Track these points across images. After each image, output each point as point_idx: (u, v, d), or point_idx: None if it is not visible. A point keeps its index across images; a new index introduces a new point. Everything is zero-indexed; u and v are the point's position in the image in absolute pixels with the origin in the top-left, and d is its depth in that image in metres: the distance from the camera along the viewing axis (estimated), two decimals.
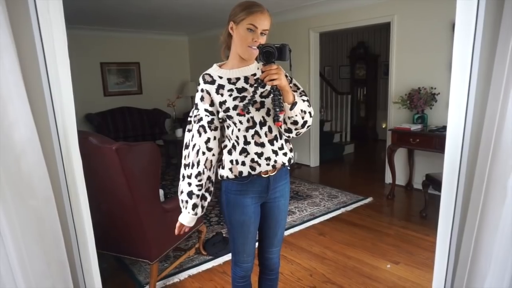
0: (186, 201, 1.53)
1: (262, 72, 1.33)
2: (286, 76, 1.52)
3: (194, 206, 1.53)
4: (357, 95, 7.36)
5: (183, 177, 1.53)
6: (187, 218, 1.55)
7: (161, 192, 2.51)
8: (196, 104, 1.50)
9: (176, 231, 1.57)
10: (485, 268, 1.24)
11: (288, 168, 1.62)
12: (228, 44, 1.51)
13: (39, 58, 1.37)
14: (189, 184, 1.51)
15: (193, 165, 1.50)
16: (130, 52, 6.77)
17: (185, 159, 1.52)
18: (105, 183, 2.10)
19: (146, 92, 7.03)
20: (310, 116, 1.46)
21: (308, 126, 1.47)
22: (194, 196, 1.52)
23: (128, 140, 6.09)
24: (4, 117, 1.27)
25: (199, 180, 1.50)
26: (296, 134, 1.50)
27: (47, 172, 1.38)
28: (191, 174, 1.50)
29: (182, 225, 1.56)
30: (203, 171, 1.50)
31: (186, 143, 1.53)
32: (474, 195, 1.26)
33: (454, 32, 1.35)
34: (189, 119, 1.55)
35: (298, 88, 1.53)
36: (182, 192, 1.54)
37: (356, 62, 7.25)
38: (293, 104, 1.39)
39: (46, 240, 1.39)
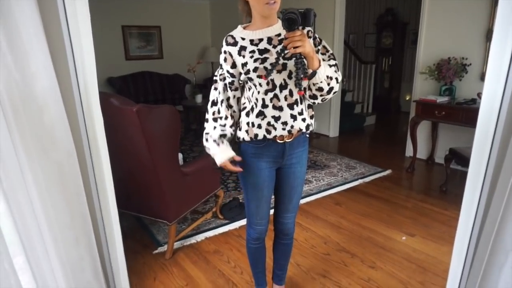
0: (214, 140, 1.55)
1: (285, 38, 1.28)
2: (315, 38, 1.48)
3: (222, 136, 1.56)
4: (382, 65, 7.11)
5: (211, 126, 1.58)
6: (221, 152, 1.53)
7: (180, 156, 2.54)
8: (221, 65, 1.53)
9: (231, 169, 1.54)
10: (510, 244, 1.20)
11: (307, 135, 1.60)
12: (248, 11, 1.47)
13: (59, 10, 1.36)
14: (215, 127, 1.57)
15: (220, 117, 1.54)
16: (152, 15, 6.68)
17: (213, 114, 1.56)
18: (126, 144, 2.13)
19: (167, 57, 6.99)
20: (337, 82, 1.43)
21: (334, 92, 1.44)
22: (220, 134, 1.56)
23: (147, 104, 6.12)
24: (26, 66, 1.28)
25: (225, 124, 1.56)
26: (322, 100, 1.47)
27: (69, 126, 1.41)
28: (218, 120, 1.56)
29: (225, 165, 1.54)
30: (230, 120, 1.55)
31: (213, 100, 1.57)
32: (505, 171, 1.21)
33: None
34: (214, 78, 1.57)
35: (327, 51, 1.49)
36: (210, 136, 1.56)
37: (383, 30, 6.94)
38: (319, 70, 1.34)
39: (68, 193, 1.44)
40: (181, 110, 5.86)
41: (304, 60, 1.32)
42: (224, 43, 1.49)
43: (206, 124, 1.59)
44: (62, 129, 1.37)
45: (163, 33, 6.88)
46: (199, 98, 5.36)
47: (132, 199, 2.35)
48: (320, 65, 1.34)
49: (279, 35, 1.42)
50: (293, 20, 1.24)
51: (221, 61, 1.51)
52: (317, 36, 1.48)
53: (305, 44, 1.26)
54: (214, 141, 1.54)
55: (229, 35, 1.49)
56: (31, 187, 1.33)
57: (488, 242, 1.25)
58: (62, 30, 1.39)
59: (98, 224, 1.62)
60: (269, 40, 1.44)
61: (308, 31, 1.46)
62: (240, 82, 1.51)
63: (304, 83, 1.41)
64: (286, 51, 1.33)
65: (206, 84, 6.72)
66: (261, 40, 1.44)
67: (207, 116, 1.59)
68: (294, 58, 1.32)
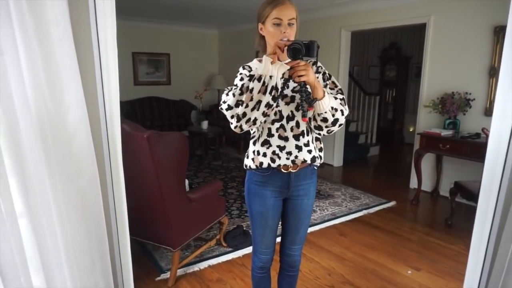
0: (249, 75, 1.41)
1: (290, 69, 1.33)
2: (324, 73, 1.54)
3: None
4: (386, 97, 7.20)
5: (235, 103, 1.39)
6: (263, 65, 1.36)
7: (186, 182, 2.55)
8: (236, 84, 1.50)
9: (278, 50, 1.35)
10: None
11: (315, 167, 1.62)
12: (264, 45, 1.54)
13: (93, 46, 1.44)
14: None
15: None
16: (161, 43, 6.88)
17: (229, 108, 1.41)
18: (134, 169, 2.16)
19: (174, 83, 7.13)
20: (342, 115, 1.45)
21: (340, 125, 1.47)
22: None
23: (154, 129, 6.18)
24: (61, 99, 1.34)
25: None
26: (328, 132, 1.50)
27: (95, 154, 1.45)
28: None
29: (271, 61, 1.35)
30: None
31: (225, 101, 1.45)
32: None
33: (498, 36, 1.29)
34: (225, 91, 1.49)
35: (336, 86, 1.53)
36: (239, 90, 1.40)
37: (387, 63, 7.09)
38: (323, 101, 1.38)
39: (89, 218, 1.46)
40: (187, 135, 5.92)
41: (309, 89, 1.37)
42: (240, 68, 1.56)
43: (226, 101, 1.41)
44: (88, 157, 1.42)
45: (171, 60, 7.05)
46: (205, 124, 5.42)
47: (137, 224, 2.35)
48: (324, 95, 1.38)
49: (291, 69, 1.48)
50: (297, 50, 1.30)
51: (236, 81, 1.49)
52: (326, 71, 1.54)
53: (309, 74, 1.32)
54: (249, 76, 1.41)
55: (246, 65, 1.57)
56: (52, 215, 1.35)
57: (498, 282, 1.23)
58: (94, 65, 1.47)
59: (114, 250, 1.62)
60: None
61: (318, 67, 1.53)
62: None
63: (310, 113, 1.45)
64: (290, 80, 1.39)
65: (212, 111, 6.82)
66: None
67: (226, 101, 1.43)
68: (299, 86, 1.37)
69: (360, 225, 3.32)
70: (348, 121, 6.00)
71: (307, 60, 1.39)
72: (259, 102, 1.35)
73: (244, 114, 1.37)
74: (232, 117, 1.39)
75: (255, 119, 1.38)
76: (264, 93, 1.34)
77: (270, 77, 1.34)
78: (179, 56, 7.12)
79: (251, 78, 1.39)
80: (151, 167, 2.06)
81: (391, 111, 7.16)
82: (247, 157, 1.59)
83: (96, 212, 1.48)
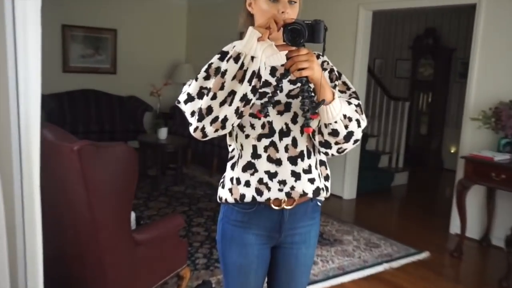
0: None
1: (287, 58, 1.33)
2: (332, 71, 1.54)
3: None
4: (419, 103, 7.35)
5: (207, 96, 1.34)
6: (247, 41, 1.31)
7: (132, 215, 2.52)
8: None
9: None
10: None
11: (319, 203, 1.62)
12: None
13: (4, 15, 1.42)
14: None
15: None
16: (105, 14, 6.89)
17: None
18: (57, 199, 2.11)
19: (122, 72, 7.13)
20: (359, 126, 1.45)
21: (355, 141, 1.47)
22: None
23: (89, 137, 6.10)
24: None
25: None
26: (338, 151, 1.50)
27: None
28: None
29: (259, 37, 1.31)
30: None
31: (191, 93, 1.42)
32: None
33: None
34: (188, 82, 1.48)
35: (348, 88, 1.54)
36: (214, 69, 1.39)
37: (421, 56, 7.27)
38: (332, 105, 1.38)
39: None
40: (136, 148, 5.87)
41: (312, 88, 1.36)
42: (214, 58, 1.55)
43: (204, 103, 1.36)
44: None
45: (119, 39, 7.07)
46: (163, 133, 5.40)
47: (55, 274, 2.29)
48: (334, 98, 1.38)
49: (288, 60, 1.47)
50: (298, 31, 1.30)
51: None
52: (334, 68, 1.55)
53: (313, 66, 1.31)
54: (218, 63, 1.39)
55: (224, 50, 1.55)
56: None
57: None
58: (5, 42, 1.45)
59: None
60: (273, 71, 1.51)
61: (323, 62, 1.54)
62: None
63: (314, 123, 1.45)
64: (286, 76, 1.37)
65: (174, 114, 6.81)
66: None
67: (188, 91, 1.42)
68: (299, 84, 1.36)
69: (378, 285, 3.32)
70: (365, 136, 6.08)
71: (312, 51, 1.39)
72: (233, 93, 1.31)
73: (210, 110, 1.33)
74: (192, 113, 1.38)
75: (225, 119, 1.34)
76: (241, 81, 1.30)
77: (252, 58, 1.30)
78: (130, 33, 7.14)
79: (223, 56, 1.37)
80: (82, 195, 2.03)
81: (425, 124, 7.30)
82: (223, 187, 1.59)
83: None
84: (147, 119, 6.95)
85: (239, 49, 1.30)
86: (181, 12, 7.58)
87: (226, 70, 1.30)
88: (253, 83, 1.33)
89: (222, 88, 1.30)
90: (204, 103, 1.33)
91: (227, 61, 1.31)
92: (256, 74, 1.32)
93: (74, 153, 1.96)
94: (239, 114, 1.36)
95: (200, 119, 1.34)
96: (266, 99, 1.43)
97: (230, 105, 1.32)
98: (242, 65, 1.30)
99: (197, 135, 1.38)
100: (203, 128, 1.36)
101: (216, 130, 1.37)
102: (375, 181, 5.87)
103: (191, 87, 1.41)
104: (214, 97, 1.31)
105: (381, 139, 6.47)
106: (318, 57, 1.51)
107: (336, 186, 5.39)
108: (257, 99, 1.45)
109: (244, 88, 1.32)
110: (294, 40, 1.31)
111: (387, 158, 6.36)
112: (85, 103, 6.64)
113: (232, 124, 1.39)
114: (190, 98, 1.39)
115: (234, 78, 1.30)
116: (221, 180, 1.62)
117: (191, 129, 1.39)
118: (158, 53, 7.42)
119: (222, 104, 1.32)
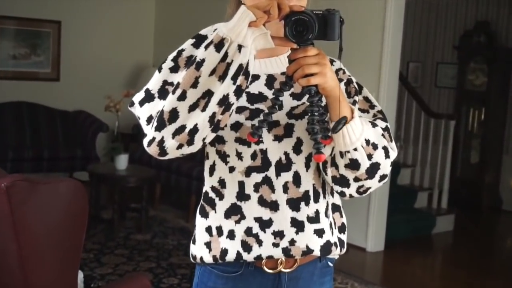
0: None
1: (290, 61, 1.32)
2: (350, 82, 1.53)
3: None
4: (468, 122, 7.37)
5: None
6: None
7: (80, 276, 2.52)
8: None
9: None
10: None
11: (330, 263, 1.62)
12: None
13: None
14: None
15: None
16: (46, 1, 6.92)
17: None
18: None
19: (67, 79, 7.15)
20: (387, 157, 1.44)
21: (382, 177, 1.47)
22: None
23: (22, 168, 6.15)
24: None
25: None
26: (359, 191, 1.49)
27: None
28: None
29: (252, 20, 1.28)
30: None
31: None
32: None
33: None
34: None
35: (372, 107, 1.55)
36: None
37: (470, 59, 7.32)
38: (351, 126, 1.39)
39: None
40: (86, 181, 5.87)
41: (324, 102, 1.36)
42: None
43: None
44: None
45: (64, 34, 7.10)
46: (122, 161, 5.39)
47: None
48: (353, 117, 1.37)
49: (291, 63, 1.39)
50: (305, 24, 1.27)
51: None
52: (353, 79, 1.55)
53: (326, 71, 1.29)
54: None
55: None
56: None
57: None
58: None
59: None
60: (270, 80, 1.52)
61: (337, 70, 1.51)
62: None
63: (326, 151, 1.43)
64: (289, 86, 1.34)
65: (137, 136, 6.78)
66: (255, 77, 1.51)
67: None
68: (306, 98, 1.33)
69: None
70: (396, 166, 6.08)
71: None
72: (209, 93, 1.26)
73: (174, 114, 1.27)
74: (149, 119, 1.34)
75: (194, 130, 1.29)
76: (222, 78, 1.26)
77: (240, 48, 1.26)
78: (79, 27, 7.18)
79: (200, 41, 1.34)
80: (11, 249, 2.03)
81: (476, 150, 7.31)
82: (194, 241, 1.57)
83: None
84: (100, 143, 6.91)
85: (223, 33, 1.25)
86: (148, 1, 7.65)
87: (202, 61, 1.25)
88: (238, 82, 1.28)
89: (195, 85, 1.26)
90: (167, 104, 1.27)
91: (205, 48, 1.26)
92: (244, 70, 1.28)
93: (2, 192, 1.96)
94: (214, 124, 1.30)
95: (159, 127, 1.28)
96: (260, 119, 1.37)
97: (203, 110, 1.27)
98: (226, 55, 1.25)
99: (153, 150, 1.31)
100: (161, 141, 1.29)
101: (180, 146, 1.30)
102: (410, 228, 5.86)
103: (151, 81, 1.38)
104: (182, 97, 1.26)
105: (418, 171, 6.49)
106: (331, 63, 1.46)
107: (358, 234, 5.38)
108: (246, 118, 1.45)
109: (225, 88, 1.27)
110: (300, 36, 1.28)
111: (426, 196, 6.37)
112: (16, 120, 6.63)
113: (204, 139, 1.33)
114: (148, 97, 1.36)
115: (213, 72, 1.25)
116: (193, 234, 1.59)
117: (145, 141, 1.32)
118: (117, 53, 7.45)
119: (192, 108, 1.26)
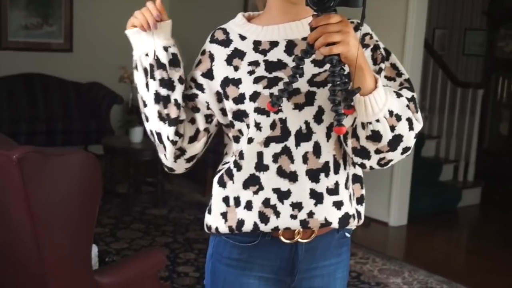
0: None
1: (312, 29, 1.32)
2: (377, 48, 1.52)
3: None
4: (497, 91, 7.30)
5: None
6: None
7: (94, 250, 2.54)
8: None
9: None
10: None
11: (347, 234, 1.63)
12: None
13: None
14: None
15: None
16: None
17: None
18: None
19: (80, 50, 7.16)
20: (411, 129, 1.44)
21: (405, 149, 1.46)
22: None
23: (35, 141, 6.20)
24: None
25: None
26: (380, 163, 1.49)
27: None
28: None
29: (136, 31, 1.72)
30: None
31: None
32: None
33: None
34: None
35: (399, 75, 1.53)
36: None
37: (501, 25, 7.23)
38: (374, 96, 1.37)
39: None
40: (100, 154, 5.91)
41: (346, 70, 1.35)
42: (207, 40, 1.60)
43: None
44: None
45: (76, 2, 7.07)
46: (137, 134, 5.40)
47: None
48: (377, 86, 1.36)
49: (312, 30, 1.38)
50: None
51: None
52: (381, 45, 1.54)
53: (349, 39, 1.27)
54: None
55: (220, 28, 1.59)
56: None
57: None
58: None
59: None
60: (290, 47, 1.51)
61: (364, 35, 1.50)
62: (209, 119, 1.60)
63: (348, 121, 1.43)
64: (310, 54, 1.33)
65: None
66: (274, 44, 1.52)
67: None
68: (327, 66, 1.31)
69: None
70: (420, 138, 6.05)
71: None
72: (144, 101, 1.59)
73: (151, 135, 1.63)
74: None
75: (157, 135, 1.59)
76: (146, 84, 1.57)
77: (147, 56, 1.57)
78: None
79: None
80: (25, 223, 2.05)
81: (506, 121, 7.25)
82: (209, 212, 1.59)
83: None
84: (115, 115, 6.93)
85: (135, 58, 1.59)
86: None
87: (137, 85, 1.60)
88: (158, 76, 1.55)
89: (144, 105, 1.59)
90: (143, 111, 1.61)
91: (135, 71, 1.61)
92: (156, 65, 1.55)
93: (13, 165, 1.98)
94: (166, 120, 1.55)
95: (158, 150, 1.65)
96: (280, 88, 1.38)
97: (150, 115, 1.58)
98: (146, 70, 1.57)
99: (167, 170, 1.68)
100: (161, 161, 1.64)
101: (178, 157, 1.61)
102: (434, 201, 5.86)
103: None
104: (146, 119, 1.61)
105: (443, 142, 6.46)
106: (356, 28, 1.46)
107: (380, 208, 5.38)
108: (264, 87, 1.46)
109: (152, 88, 1.56)
110: (322, 3, 1.27)
111: (451, 168, 6.35)
112: (29, 92, 6.66)
113: (170, 139, 1.56)
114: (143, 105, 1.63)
115: (142, 87, 1.58)
116: (209, 204, 1.61)
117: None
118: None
119: (146, 119, 1.60)
